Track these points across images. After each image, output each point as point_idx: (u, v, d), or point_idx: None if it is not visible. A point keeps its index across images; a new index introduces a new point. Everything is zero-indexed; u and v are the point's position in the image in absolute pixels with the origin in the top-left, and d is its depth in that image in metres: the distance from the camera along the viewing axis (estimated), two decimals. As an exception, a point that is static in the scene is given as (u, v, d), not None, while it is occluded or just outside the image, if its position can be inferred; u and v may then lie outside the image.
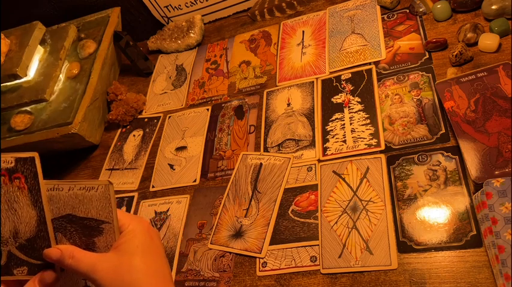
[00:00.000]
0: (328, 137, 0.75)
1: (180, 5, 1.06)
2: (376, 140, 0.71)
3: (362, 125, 0.73)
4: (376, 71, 0.79)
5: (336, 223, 0.65)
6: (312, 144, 0.76)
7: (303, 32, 0.93)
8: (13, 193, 0.47)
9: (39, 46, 0.97)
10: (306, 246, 0.65)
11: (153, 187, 0.85)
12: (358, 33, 0.85)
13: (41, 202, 0.48)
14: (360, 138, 0.72)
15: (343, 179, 0.69)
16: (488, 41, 0.70)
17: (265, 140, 0.80)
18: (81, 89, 0.93)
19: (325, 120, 0.77)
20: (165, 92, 1.00)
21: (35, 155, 0.47)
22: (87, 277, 0.46)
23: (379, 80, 0.77)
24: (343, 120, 0.76)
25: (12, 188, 0.47)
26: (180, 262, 0.72)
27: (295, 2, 0.97)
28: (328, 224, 0.66)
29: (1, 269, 0.48)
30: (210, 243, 0.72)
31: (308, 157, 0.74)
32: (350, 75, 0.81)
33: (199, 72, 0.99)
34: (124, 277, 0.45)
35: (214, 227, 0.73)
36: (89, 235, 0.49)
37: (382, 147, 0.70)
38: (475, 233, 0.57)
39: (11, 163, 0.47)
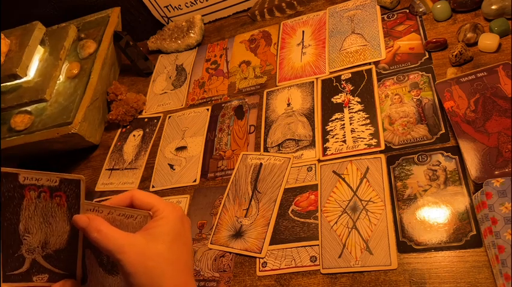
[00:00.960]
0: (328, 137, 0.75)
1: (180, 5, 1.06)
2: (376, 140, 0.71)
3: (362, 125, 0.73)
4: (376, 71, 0.79)
5: (336, 223, 0.65)
6: (312, 144, 0.76)
7: (303, 32, 0.93)
8: (51, 208, 0.49)
9: (39, 46, 0.97)
10: (306, 246, 0.65)
11: (153, 187, 0.85)
12: (358, 33, 0.85)
13: None
14: (360, 138, 0.72)
15: (343, 179, 0.69)
16: (488, 41, 0.70)
17: (265, 140, 0.80)
18: (81, 89, 0.93)
19: (325, 120, 0.77)
20: (165, 92, 1.00)
21: (81, 178, 0.49)
22: (112, 255, 0.46)
23: (379, 80, 0.77)
24: (343, 120, 0.76)
25: (51, 204, 0.49)
26: (180, 262, 0.72)
27: (295, 2, 0.97)
28: (328, 224, 0.66)
29: (21, 275, 0.49)
30: (210, 243, 0.72)
31: (308, 157, 0.74)
32: (350, 75, 0.81)
33: (199, 72, 0.99)
34: (148, 262, 0.46)
35: (214, 227, 0.73)
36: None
37: (382, 147, 0.70)
38: (475, 233, 0.57)
39: (55, 182, 0.49)
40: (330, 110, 0.78)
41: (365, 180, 0.67)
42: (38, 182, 0.48)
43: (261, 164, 0.77)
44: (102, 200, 0.87)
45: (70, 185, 0.49)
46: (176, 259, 0.47)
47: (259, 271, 0.66)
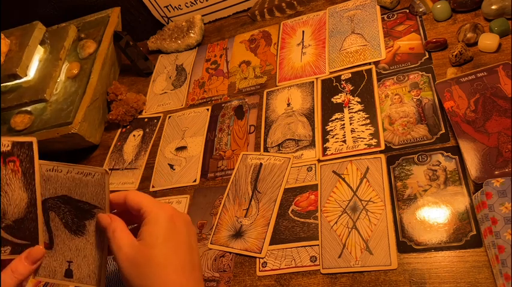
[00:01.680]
0: (328, 137, 0.75)
1: (180, 5, 1.06)
2: (376, 140, 0.71)
3: (362, 125, 0.73)
4: (376, 71, 0.79)
5: (336, 223, 0.65)
6: (312, 144, 0.76)
7: (303, 32, 0.93)
8: (6, 175, 0.48)
9: (39, 46, 0.97)
10: (306, 246, 0.65)
11: (153, 187, 0.85)
12: (358, 33, 0.85)
13: (33, 185, 0.49)
14: (360, 138, 0.72)
15: (343, 179, 0.69)
16: (488, 41, 0.70)
17: (265, 140, 0.80)
18: (81, 89, 0.93)
19: (325, 120, 0.77)
20: (165, 92, 1.00)
21: (33, 139, 0.48)
22: (114, 258, 0.47)
23: (379, 80, 0.77)
24: (343, 120, 0.76)
25: (5, 171, 0.48)
26: (180, 262, 0.72)
27: (295, 2, 0.97)
28: (328, 224, 0.66)
29: None
30: (210, 243, 0.72)
31: (308, 157, 0.74)
32: (350, 75, 0.81)
33: (199, 72, 0.99)
34: (141, 268, 0.46)
35: (214, 227, 0.73)
36: (81, 217, 0.51)
37: (382, 147, 0.70)
38: (475, 233, 0.57)
39: (8, 146, 0.48)
40: (330, 110, 0.78)
41: (365, 180, 0.67)
42: None
43: (261, 164, 0.77)
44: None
45: (23, 149, 0.48)
46: (169, 260, 0.47)
47: (259, 271, 0.66)
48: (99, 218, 0.50)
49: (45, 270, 0.52)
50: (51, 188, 0.50)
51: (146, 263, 0.46)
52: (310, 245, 0.65)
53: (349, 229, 0.64)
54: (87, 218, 0.51)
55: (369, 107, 0.75)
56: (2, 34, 0.95)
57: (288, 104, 0.83)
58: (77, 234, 0.52)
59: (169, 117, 0.94)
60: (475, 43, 0.72)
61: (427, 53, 0.76)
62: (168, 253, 0.47)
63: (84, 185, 0.50)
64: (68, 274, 0.52)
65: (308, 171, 0.73)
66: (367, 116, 0.74)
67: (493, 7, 0.72)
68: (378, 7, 0.87)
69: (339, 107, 0.78)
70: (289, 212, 0.70)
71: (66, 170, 0.50)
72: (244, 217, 0.72)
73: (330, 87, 0.81)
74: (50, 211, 0.50)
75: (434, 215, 0.60)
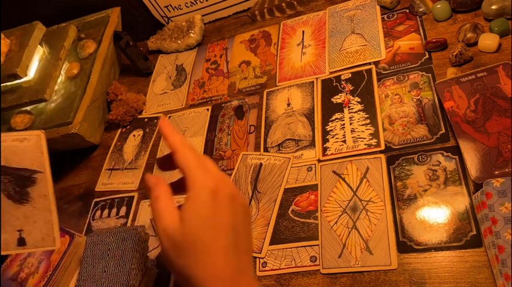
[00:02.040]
0: (328, 137, 0.75)
1: (180, 5, 1.06)
2: (376, 140, 0.71)
3: (362, 125, 0.73)
4: (376, 71, 0.79)
5: (336, 223, 0.65)
6: (312, 144, 0.76)
7: (303, 32, 0.93)
8: None
9: (39, 46, 0.97)
10: (306, 246, 0.65)
11: (153, 187, 0.85)
12: (358, 33, 0.85)
13: None
14: (360, 138, 0.72)
15: (343, 179, 0.69)
16: (488, 41, 0.70)
17: (265, 140, 0.80)
18: (81, 89, 0.93)
19: (325, 120, 0.77)
20: (165, 92, 1.00)
21: None
22: (155, 228, 0.45)
23: (379, 80, 0.77)
24: (343, 120, 0.76)
25: None
26: (180, 262, 0.72)
27: (295, 2, 0.97)
28: (328, 224, 0.66)
29: None
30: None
31: (308, 157, 0.74)
32: (350, 75, 0.81)
33: (199, 72, 0.99)
34: (181, 251, 0.43)
35: (214, 227, 0.73)
36: (22, 186, 0.50)
37: (382, 147, 0.70)
38: (475, 233, 0.57)
39: None
40: (330, 110, 0.78)
41: (365, 180, 0.67)
42: None
43: (261, 164, 0.77)
44: (103, 200, 0.87)
45: None
46: (209, 244, 0.43)
47: (259, 271, 0.66)
48: (146, 177, 0.48)
49: None
50: None
51: (186, 246, 0.43)
52: (310, 245, 0.65)
53: (349, 229, 0.64)
54: (29, 185, 0.50)
55: (369, 107, 0.75)
56: (2, 34, 0.95)
57: (288, 104, 0.83)
58: (21, 202, 0.51)
59: (169, 117, 0.94)
60: (475, 43, 0.72)
61: (427, 53, 0.76)
62: (208, 236, 0.43)
63: (22, 152, 0.49)
64: (21, 242, 0.51)
65: (308, 171, 0.73)
66: (367, 116, 0.74)
67: (493, 7, 0.72)
68: (378, 7, 0.87)
69: (339, 107, 0.78)
70: (289, 212, 0.70)
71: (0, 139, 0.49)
72: (244, 217, 0.72)
73: (330, 87, 0.81)
74: None
75: (434, 215, 0.60)
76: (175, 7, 1.06)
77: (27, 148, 0.50)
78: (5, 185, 0.50)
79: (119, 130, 0.98)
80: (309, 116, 0.79)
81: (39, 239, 0.52)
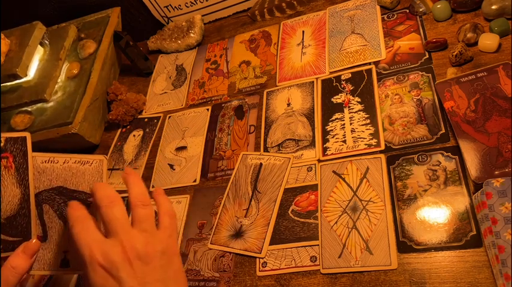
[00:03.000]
0: (328, 137, 0.75)
1: (180, 5, 1.06)
2: (376, 140, 0.71)
3: (362, 125, 0.73)
4: (376, 71, 0.79)
5: (336, 223, 0.65)
6: (312, 144, 0.76)
7: (303, 32, 0.93)
8: None
9: (39, 46, 0.97)
10: (306, 246, 0.65)
11: (153, 186, 0.85)
12: (358, 33, 0.85)
13: (27, 180, 0.48)
14: (360, 138, 0.72)
15: (343, 179, 0.69)
16: (488, 41, 0.70)
17: (265, 140, 0.80)
18: (81, 89, 0.93)
19: (325, 120, 0.77)
20: (165, 92, 1.00)
21: (27, 135, 0.47)
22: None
23: (379, 80, 0.77)
24: (343, 120, 0.76)
25: None
26: (180, 262, 0.72)
27: (295, 2, 0.97)
28: (328, 224, 0.66)
29: None
30: (210, 243, 0.72)
31: (308, 157, 0.74)
32: (350, 75, 0.81)
33: (199, 72, 0.99)
34: None
35: (214, 227, 0.73)
36: None
37: (382, 147, 0.70)
38: (475, 233, 0.57)
39: (0, 143, 0.47)
40: (330, 110, 0.78)
41: (365, 180, 0.67)
42: None
43: (261, 164, 0.77)
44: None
45: (16, 144, 0.47)
46: None
47: (259, 271, 0.66)
48: (69, 205, 0.47)
49: (40, 263, 0.50)
50: (46, 180, 0.49)
51: None
52: (310, 245, 0.65)
53: (349, 229, 0.64)
54: None
55: (369, 107, 0.75)
56: (2, 34, 0.95)
57: (288, 104, 0.83)
58: None
59: (169, 117, 0.94)
60: (475, 43, 0.72)
61: (427, 53, 0.76)
62: None
63: (81, 174, 0.49)
64: (64, 264, 0.51)
65: (308, 171, 0.73)
66: (367, 116, 0.74)
67: (493, 7, 0.72)
68: (378, 7, 0.87)
69: (339, 107, 0.77)
70: (289, 212, 0.70)
71: (63, 160, 0.49)
72: (244, 217, 0.72)
73: (330, 87, 0.81)
74: (44, 204, 0.50)
75: (435, 215, 0.60)
76: (175, 7, 1.06)
77: (87, 171, 0.50)
78: (58, 206, 0.50)
79: (119, 130, 0.98)
80: (309, 116, 0.79)
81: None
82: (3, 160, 0.47)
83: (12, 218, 0.48)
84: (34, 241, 0.49)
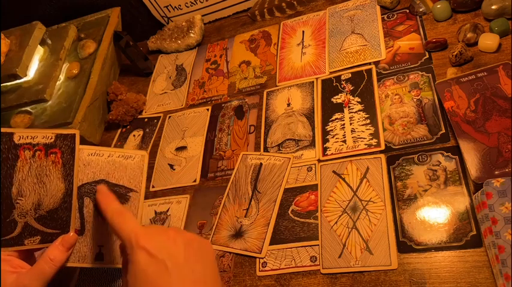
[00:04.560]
0: (328, 137, 0.75)
1: (180, 5, 1.06)
2: (376, 140, 0.71)
3: (362, 125, 0.73)
4: (376, 71, 0.79)
5: (336, 223, 0.65)
6: (312, 144, 0.76)
7: (303, 32, 0.93)
8: (46, 167, 0.48)
9: (39, 46, 0.97)
10: (306, 246, 0.65)
11: (153, 187, 0.85)
12: (358, 33, 0.85)
13: (72, 175, 0.49)
14: (360, 138, 0.72)
15: (343, 179, 0.69)
16: (488, 41, 0.70)
17: (265, 140, 0.80)
18: (81, 89, 0.93)
19: (325, 120, 0.77)
20: (165, 92, 1.00)
21: (76, 132, 0.49)
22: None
23: (379, 80, 0.77)
24: (343, 120, 0.76)
25: (46, 163, 0.48)
26: (180, 262, 0.72)
27: (295, 2, 0.97)
28: (328, 224, 0.66)
29: (13, 240, 0.48)
30: (210, 243, 0.72)
31: (308, 157, 0.74)
32: (350, 75, 0.81)
33: (199, 72, 0.99)
34: None
35: (214, 227, 0.73)
36: None
37: (382, 147, 0.70)
38: (475, 233, 0.57)
39: (51, 138, 0.48)
40: (330, 110, 0.78)
41: (365, 180, 0.67)
42: (34, 140, 0.47)
43: (261, 164, 0.77)
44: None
45: (65, 141, 0.49)
46: None
47: (259, 271, 0.66)
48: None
49: (75, 256, 0.52)
50: (90, 173, 0.51)
51: None
52: (310, 245, 0.65)
53: (349, 229, 0.64)
54: (122, 202, 0.51)
55: (369, 107, 0.75)
56: (2, 34, 0.95)
57: (288, 104, 0.83)
58: None
59: (169, 117, 0.94)
60: (475, 43, 0.72)
61: (427, 53, 0.76)
62: None
63: (124, 169, 0.51)
64: (99, 258, 0.52)
65: (308, 171, 0.73)
66: (367, 116, 0.74)
67: (493, 7, 0.72)
68: (378, 7, 0.87)
69: (339, 107, 0.77)
70: (289, 212, 0.70)
71: (107, 154, 0.51)
72: (244, 217, 0.72)
73: (330, 87, 0.81)
74: (85, 197, 0.51)
75: (435, 215, 0.60)
76: (175, 7, 1.06)
77: (129, 165, 0.51)
78: None
79: (119, 130, 0.98)
80: (309, 116, 0.79)
81: (117, 256, 0.53)
82: (51, 155, 0.48)
83: (54, 211, 0.49)
84: (71, 234, 0.50)
